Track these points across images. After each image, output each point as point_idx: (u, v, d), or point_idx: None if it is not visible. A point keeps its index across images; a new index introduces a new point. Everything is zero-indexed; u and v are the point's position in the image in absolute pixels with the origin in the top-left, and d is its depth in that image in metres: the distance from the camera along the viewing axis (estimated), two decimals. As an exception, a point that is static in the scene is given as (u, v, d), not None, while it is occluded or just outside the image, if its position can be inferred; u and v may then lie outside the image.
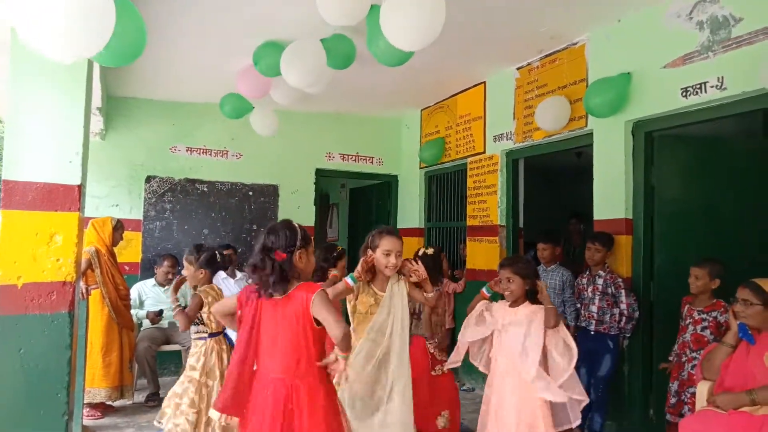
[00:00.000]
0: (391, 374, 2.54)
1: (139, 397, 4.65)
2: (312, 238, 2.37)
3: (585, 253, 3.79)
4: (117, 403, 4.46)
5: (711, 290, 3.22)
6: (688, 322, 3.29)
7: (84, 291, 4.08)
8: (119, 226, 4.50)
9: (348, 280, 2.55)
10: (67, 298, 2.67)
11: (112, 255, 4.43)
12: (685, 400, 3.20)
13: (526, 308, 2.79)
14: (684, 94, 3.35)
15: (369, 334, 2.55)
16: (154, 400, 4.59)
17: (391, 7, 2.87)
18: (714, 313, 3.19)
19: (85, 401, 4.06)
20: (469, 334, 2.92)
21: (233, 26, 3.81)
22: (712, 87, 3.20)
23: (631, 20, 3.73)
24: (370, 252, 2.63)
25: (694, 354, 3.20)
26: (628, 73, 3.69)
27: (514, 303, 2.84)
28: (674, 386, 3.30)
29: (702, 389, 2.78)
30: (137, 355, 4.64)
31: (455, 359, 2.99)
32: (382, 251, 2.59)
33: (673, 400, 3.29)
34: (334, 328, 2.00)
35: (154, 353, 4.74)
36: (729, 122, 3.44)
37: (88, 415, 4.17)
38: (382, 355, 2.54)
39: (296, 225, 2.19)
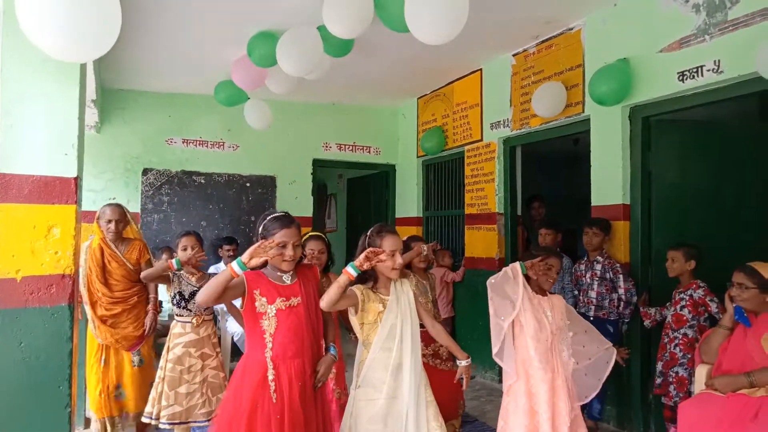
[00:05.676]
0: (408, 383, 2.30)
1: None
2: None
3: (582, 237, 3.80)
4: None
5: (688, 272, 3.28)
6: (671, 303, 3.37)
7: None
8: (100, 216, 4.30)
9: (349, 269, 2.21)
10: (66, 290, 2.66)
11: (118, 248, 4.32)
12: (671, 379, 3.25)
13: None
14: (681, 78, 3.34)
15: (379, 343, 2.32)
16: None
17: (417, 1, 2.85)
18: (689, 291, 3.25)
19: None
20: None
21: (228, 16, 3.78)
22: (708, 71, 3.20)
23: (628, 4, 3.71)
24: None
25: (675, 333, 3.27)
26: (625, 58, 3.67)
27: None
28: (659, 367, 3.35)
29: (700, 372, 2.81)
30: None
31: None
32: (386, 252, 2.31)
33: (658, 381, 3.34)
34: None
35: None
36: (725, 106, 3.45)
37: None
38: (396, 363, 2.31)
39: (264, 216, 2.36)
